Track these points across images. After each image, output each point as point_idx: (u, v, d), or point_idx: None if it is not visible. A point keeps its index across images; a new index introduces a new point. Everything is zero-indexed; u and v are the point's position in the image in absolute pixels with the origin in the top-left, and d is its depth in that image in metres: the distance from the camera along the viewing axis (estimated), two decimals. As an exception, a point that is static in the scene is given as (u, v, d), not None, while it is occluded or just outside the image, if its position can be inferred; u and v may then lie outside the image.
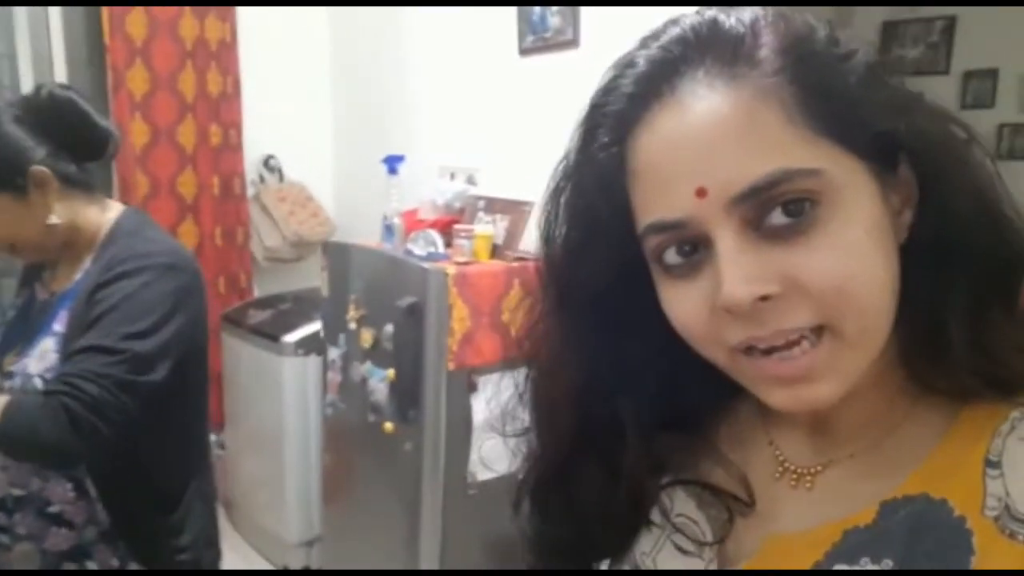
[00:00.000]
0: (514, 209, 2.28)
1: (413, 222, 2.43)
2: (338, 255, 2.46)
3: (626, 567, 0.62)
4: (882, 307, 0.48)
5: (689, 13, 0.52)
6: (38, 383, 1.19)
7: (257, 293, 3.34)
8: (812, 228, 0.46)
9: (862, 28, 3.93)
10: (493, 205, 2.37)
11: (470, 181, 2.62)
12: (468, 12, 2.68)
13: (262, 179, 3.33)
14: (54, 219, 1.21)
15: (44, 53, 2.94)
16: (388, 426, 2.20)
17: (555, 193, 0.56)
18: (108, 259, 1.22)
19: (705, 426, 0.62)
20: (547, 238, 0.57)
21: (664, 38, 0.51)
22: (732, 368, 0.52)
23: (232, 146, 3.19)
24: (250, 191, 3.29)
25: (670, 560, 0.60)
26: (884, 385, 0.53)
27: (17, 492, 1.23)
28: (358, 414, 2.35)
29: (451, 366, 2.09)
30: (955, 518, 0.48)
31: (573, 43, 2.30)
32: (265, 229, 3.26)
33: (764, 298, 0.46)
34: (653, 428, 0.59)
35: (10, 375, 1.22)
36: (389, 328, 2.16)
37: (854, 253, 0.46)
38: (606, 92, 0.52)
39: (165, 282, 1.21)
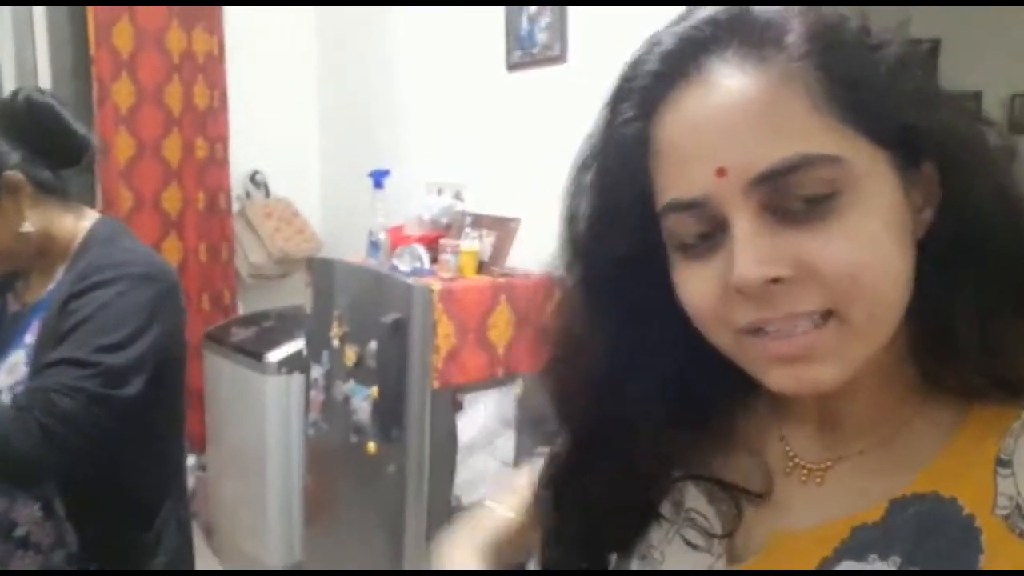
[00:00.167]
0: (501, 225, 2.25)
1: (399, 237, 2.41)
2: (323, 271, 2.43)
3: (634, 560, 0.62)
4: (893, 299, 0.48)
5: None
6: (6, 397, 1.15)
7: (241, 310, 3.29)
8: (830, 215, 0.46)
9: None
10: (480, 221, 2.35)
11: (457, 197, 2.60)
12: (456, 27, 2.68)
13: (248, 194, 3.30)
14: (27, 226, 1.18)
15: (29, 66, 2.91)
16: (371, 446, 2.16)
17: (580, 170, 0.56)
18: (82, 268, 1.18)
19: (717, 422, 0.61)
20: (571, 216, 0.57)
21: (694, 18, 0.51)
22: (737, 351, 0.51)
23: (218, 161, 3.16)
24: (235, 207, 3.26)
25: (678, 554, 0.60)
26: (894, 381, 0.53)
27: (-19, 514, 1.19)
28: (341, 434, 2.30)
29: (436, 384, 2.05)
30: (964, 516, 0.48)
31: (560, 58, 2.29)
32: (250, 245, 3.22)
33: (776, 280, 0.46)
34: (666, 421, 0.59)
35: (-22, 389, 1.18)
36: (373, 345, 2.13)
37: (870, 243, 0.46)
38: (633, 68, 0.52)
39: (140, 292, 1.18)
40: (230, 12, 3.14)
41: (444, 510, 2.11)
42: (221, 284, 3.22)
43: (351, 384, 2.23)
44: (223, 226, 3.20)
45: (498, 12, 2.45)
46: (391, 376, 2.07)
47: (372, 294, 2.20)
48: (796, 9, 0.49)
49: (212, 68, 3.08)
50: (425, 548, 2.10)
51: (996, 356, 0.48)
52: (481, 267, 2.23)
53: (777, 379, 0.49)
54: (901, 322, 0.50)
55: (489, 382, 2.12)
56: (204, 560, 2.89)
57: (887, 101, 0.47)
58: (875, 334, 0.48)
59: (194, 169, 3.08)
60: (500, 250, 2.23)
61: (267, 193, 3.33)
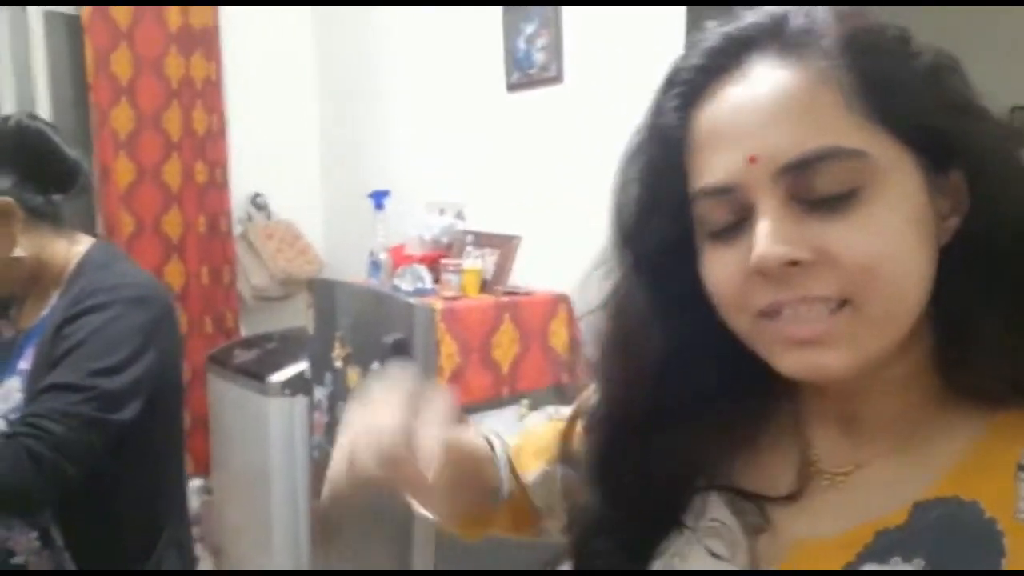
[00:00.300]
0: (503, 243, 2.24)
1: (400, 257, 2.39)
2: (324, 292, 2.41)
3: (655, 564, 0.62)
4: (909, 296, 0.49)
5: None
6: (1, 425, 1.13)
7: (244, 332, 3.28)
8: (853, 207, 0.48)
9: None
10: (481, 240, 2.33)
11: (459, 216, 2.59)
12: (456, 49, 2.69)
13: (250, 217, 3.30)
14: (19, 252, 1.17)
15: (27, 93, 2.92)
16: (375, 468, 2.13)
17: (627, 162, 0.58)
18: (75, 293, 1.17)
19: (742, 428, 0.61)
20: (620, 207, 0.59)
21: (740, 20, 0.54)
22: (753, 335, 0.53)
23: (218, 184, 3.16)
24: (237, 229, 3.25)
25: (700, 563, 0.60)
26: (915, 385, 0.54)
27: (-22, 543, 1.17)
28: (345, 456, 2.27)
29: (440, 404, 2.02)
30: (986, 519, 0.48)
31: (557, 79, 2.30)
32: (252, 267, 3.21)
33: (794, 264, 0.48)
34: (694, 423, 0.59)
35: (-27, 418, 1.17)
36: (376, 366, 2.11)
37: (890, 236, 0.48)
38: (678, 63, 0.55)
39: (135, 316, 1.17)
40: (228, 37, 3.15)
41: (452, 533, 2.07)
42: (223, 307, 3.21)
43: (354, 406, 2.21)
44: (225, 249, 3.19)
45: (496, 34, 2.47)
46: (394, 397, 2.05)
47: (374, 315, 2.18)
48: (837, 14, 0.51)
49: (210, 93, 3.09)
50: (433, 570, 2.07)
51: (1020, 363, 0.49)
52: (484, 286, 2.21)
53: (789, 363, 0.50)
54: (922, 327, 0.51)
55: (494, 402, 2.09)
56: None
57: (917, 105, 0.49)
58: (888, 328, 0.49)
59: (194, 193, 3.08)
60: (502, 268, 2.21)
61: (269, 215, 3.32)
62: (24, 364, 1.16)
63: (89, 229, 2.96)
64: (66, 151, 1.21)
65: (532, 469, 0.77)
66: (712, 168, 0.51)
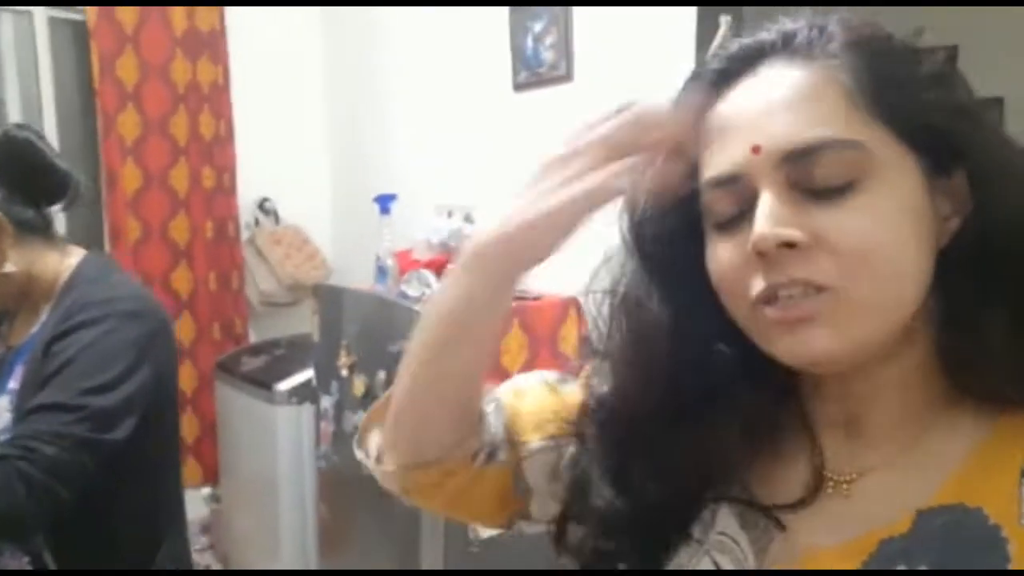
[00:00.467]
0: (511, 247, 2.19)
1: (407, 262, 2.36)
2: (330, 299, 2.38)
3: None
4: (900, 286, 0.50)
5: None
6: (-9, 446, 1.10)
7: (253, 338, 3.26)
8: (850, 196, 0.49)
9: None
10: (490, 243, 2.29)
11: (467, 219, 2.55)
12: (462, 49, 2.65)
13: (257, 222, 3.27)
14: (9, 267, 1.14)
15: (33, 99, 2.90)
16: (382, 478, 2.09)
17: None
18: (66, 308, 1.14)
19: (751, 432, 0.60)
20: (632, 202, 0.60)
21: (762, 32, 0.56)
22: (751, 322, 0.53)
23: (226, 189, 3.13)
24: (244, 234, 3.23)
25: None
26: (918, 386, 0.55)
27: (-33, 568, 1.14)
28: (352, 467, 2.22)
29: (448, 414, 1.98)
30: (990, 526, 0.49)
31: (566, 77, 2.26)
32: (260, 273, 3.19)
33: (790, 245, 0.49)
34: (704, 425, 0.58)
35: (-38, 439, 1.13)
36: (382, 375, 2.07)
37: (885, 225, 0.49)
38: (699, 67, 0.58)
39: (128, 330, 1.13)
40: (235, 41, 3.13)
41: (461, 543, 2.04)
42: (232, 312, 3.19)
43: (361, 415, 2.18)
44: (232, 254, 3.17)
45: (503, 33, 2.43)
46: (401, 406, 2.01)
47: (380, 322, 2.14)
48: (844, 23, 0.54)
49: (217, 98, 3.07)
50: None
51: (1023, 364, 0.50)
52: (491, 291, 2.16)
53: (783, 347, 0.51)
54: (924, 327, 0.53)
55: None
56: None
57: (920, 105, 0.51)
58: (878, 314, 0.50)
59: (201, 198, 3.06)
60: (510, 273, 2.17)
61: (277, 220, 3.30)
62: (14, 383, 1.13)
63: (96, 235, 2.98)
64: (56, 162, 1.17)
65: (531, 440, 0.68)
66: (718, 158, 0.53)
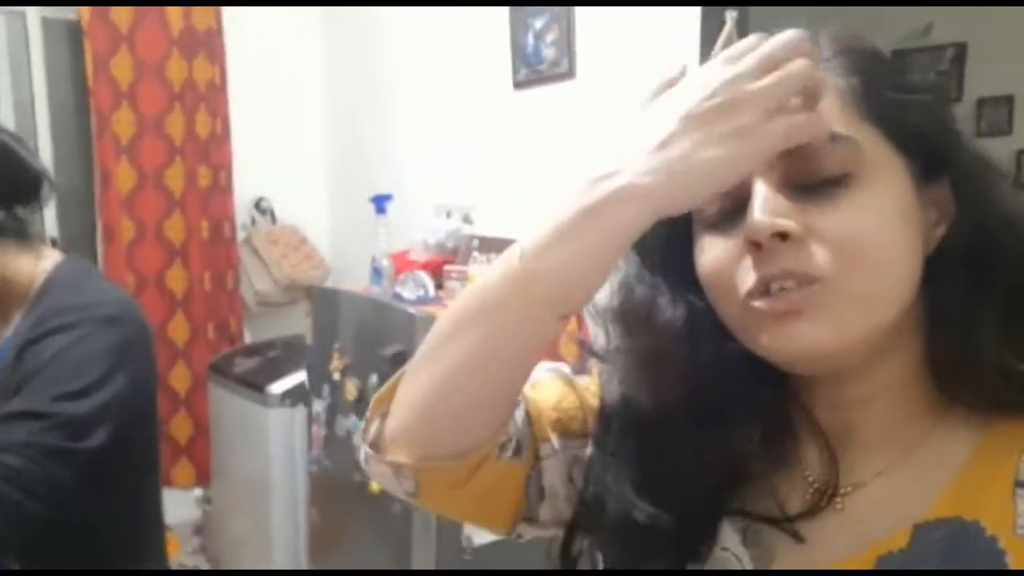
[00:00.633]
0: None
1: (403, 263, 2.32)
2: (324, 300, 2.34)
3: None
4: (891, 282, 0.51)
5: None
6: (-43, 458, 1.06)
7: (248, 338, 3.23)
8: (843, 191, 0.50)
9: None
10: (488, 244, 2.25)
11: (466, 219, 2.52)
12: (461, 47, 2.62)
13: (254, 222, 3.24)
14: None
15: (26, 99, 2.87)
16: (375, 485, 2.04)
17: None
18: (40, 313, 1.09)
19: (746, 453, 0.59)
20: None
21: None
22: (742, 321, 0.53)
23: (222, 188, 3.10)
24: (241, 234, 3.20)
25: None
26: (908, 395, 0.55)
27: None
28: (343, 472, 2.20)
29: (441, 419, 1.94)
30: (988, 538, 0.49)
31: (568, 74, 2.22)
32: (256, 273, 3.16)
33: (784, 236, 0.49)
34: (728, 430, 0.57)
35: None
36: (375, 379, 2.03)
37: (878, 221, 0.50)
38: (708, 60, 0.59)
39: (104, 336, 1.09)
40: (232, 40, 3.09)
41: (454, 550, 2.00)
42: (227, 312, 3.16)
43: (353, 419, 2.14)
44: (228, 254, 3.14)
45: (503, 30, 2.39)
46: (394, 411, 1.97)
47: (373, 325, 2.11)
48: (834, 35, 0.56)
49: (214, 97, 3.03)
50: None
51: (1013, 369, 0.50)
52: (488, 293, 2.13)
53: (771, 340, 0.51)
54: (914, 333, 0.53)
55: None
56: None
57: (907, 111, 0.53)
58: (870, 312, 0.50)
59: (197, 198, 3.03)
60: (507, 275, 2.13)
61: (273, 220, 3.26)
62: (-16, 391, 1.09)
63: (89, 236, 2.95)
64: (30, 161, 1.13)
65: (553, 438, 0.65)
66: None
